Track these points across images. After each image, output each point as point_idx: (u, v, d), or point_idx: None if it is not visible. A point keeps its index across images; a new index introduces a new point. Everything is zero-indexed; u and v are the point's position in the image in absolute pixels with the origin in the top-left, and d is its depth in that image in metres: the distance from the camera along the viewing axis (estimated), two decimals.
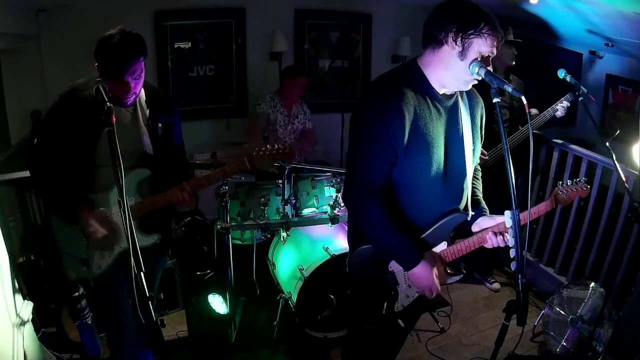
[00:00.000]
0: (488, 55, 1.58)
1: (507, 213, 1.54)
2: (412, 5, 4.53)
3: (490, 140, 3.07)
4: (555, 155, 3.47)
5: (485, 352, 2.88)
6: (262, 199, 2.98)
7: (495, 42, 1.55)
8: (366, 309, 1.89)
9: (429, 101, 1.66)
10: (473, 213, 1.82)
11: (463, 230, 1.82)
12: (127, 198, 1.83)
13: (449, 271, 1.80)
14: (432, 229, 1.76)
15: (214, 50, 4.23)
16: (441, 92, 1.68)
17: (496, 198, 2.18)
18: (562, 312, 2.80)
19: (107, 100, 1.48)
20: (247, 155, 1.97)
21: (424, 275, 1.69)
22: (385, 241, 1.69)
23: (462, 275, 1.85)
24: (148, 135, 1.97)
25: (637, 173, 2.73)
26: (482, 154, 2.90)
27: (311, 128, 4.02)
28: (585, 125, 3.81)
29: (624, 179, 2.37)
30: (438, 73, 1.64)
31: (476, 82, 1.64)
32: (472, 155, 1.77)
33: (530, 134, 1.48)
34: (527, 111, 1.44)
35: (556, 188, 1.83)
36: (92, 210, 1.90)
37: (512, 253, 1.50)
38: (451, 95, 1.72)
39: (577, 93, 2.74)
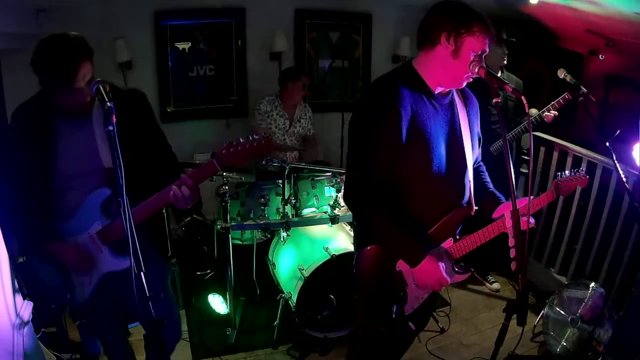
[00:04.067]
0: (482, 53, 1.63)
1: (507, 213, 1.55)
2: (412, 5, 4.51)
3: (485, 141, 3.09)
4: (555, 155, 3.46)
5: (485, 352, 2.88)
6: (262, 199, 2.98)
7: (487, 41, 1.62)
8: (375, 312, 1.85)
9: (426, 99, 1.70)
10: (477, 207, 1.84)
11: (469, 225, 1.84)
12: (96, 222, 1.79)
13: (456, 269, 1.80)
14: (437, 225, 1.77)
15: (214, 50, 4.22)
16: (437, 91, 1.73)
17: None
18: (562, 312, 2.80)
19: (107, 100, 1.46)
20: (215, 156, 1.76)
21: (431, 269, 1.67)
22: (389, 238, 1.70)
23: (469, 274, 1.83)
24: (107, 147, 1.66)
25: (637, 173, 2.73)
26: None
27: (315, 134, 4.02)
28: (585, 125, 3.80)
29: (624, 179, 2.37)
30: (433, 72, 1.70)
31: (470, 80, 1.68)
32: (472, 150, 1.81)
33: (530, 134, 1.49)
34: (526, 111, 1.45)
35: (556, 179, 1.85)
36: (61, 244, 1.77)
37: (512, 253, 1.51)
38: (447, 93, 1.77)
39: (577, 93, 2.74)
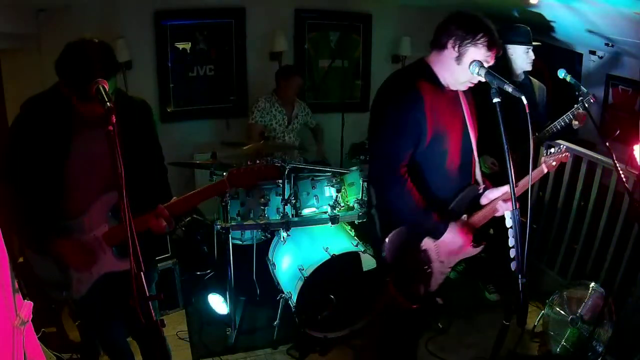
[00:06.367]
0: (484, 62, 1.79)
1: (507, 213, 1.55)
2: (412, 5, 4.53)
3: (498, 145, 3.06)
4: None
5: (485, 352, 2.88)
6: (262, 199, 2.98)
7: (491, 53, 1.79)
8: (406, 290, 2.00)
9: (440, 92, 1.91)
10: (484, 185, 2.07)
11: (476, 203, 2.07)
12: (103, 225, 1.80)
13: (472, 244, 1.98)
14: (454, 202, 2.00)
15: (214, 50, 4.23)
16: (446, 86, 1.93)
17: None
18: (562, 312, 2.80)
19: (107, 100, 1.46)
20: (228, 175, 1.87)
21: (456, 238, 1.92)
22: (415, 216, 1.89)
23: (483, 247, 2.01)
24: (119, 151, 1.81)
25: (637, 173, 2.73)
26: (493, 164, 2.99)
27: (316, 124, 4.09)
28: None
29: (624, 179, 2.37)
30: (440, 72, 1.90)
31: (472, 84, 1.89)
32: (475, 136, 2.04)
33: (531, 135, 1.49)
34: (527, 111, 1.46)
35: (543, 157, 2.10)
36: (65, 241, 1.78)
37: (512, 253, 1.51)
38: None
39: (577, 93, 2.73)
